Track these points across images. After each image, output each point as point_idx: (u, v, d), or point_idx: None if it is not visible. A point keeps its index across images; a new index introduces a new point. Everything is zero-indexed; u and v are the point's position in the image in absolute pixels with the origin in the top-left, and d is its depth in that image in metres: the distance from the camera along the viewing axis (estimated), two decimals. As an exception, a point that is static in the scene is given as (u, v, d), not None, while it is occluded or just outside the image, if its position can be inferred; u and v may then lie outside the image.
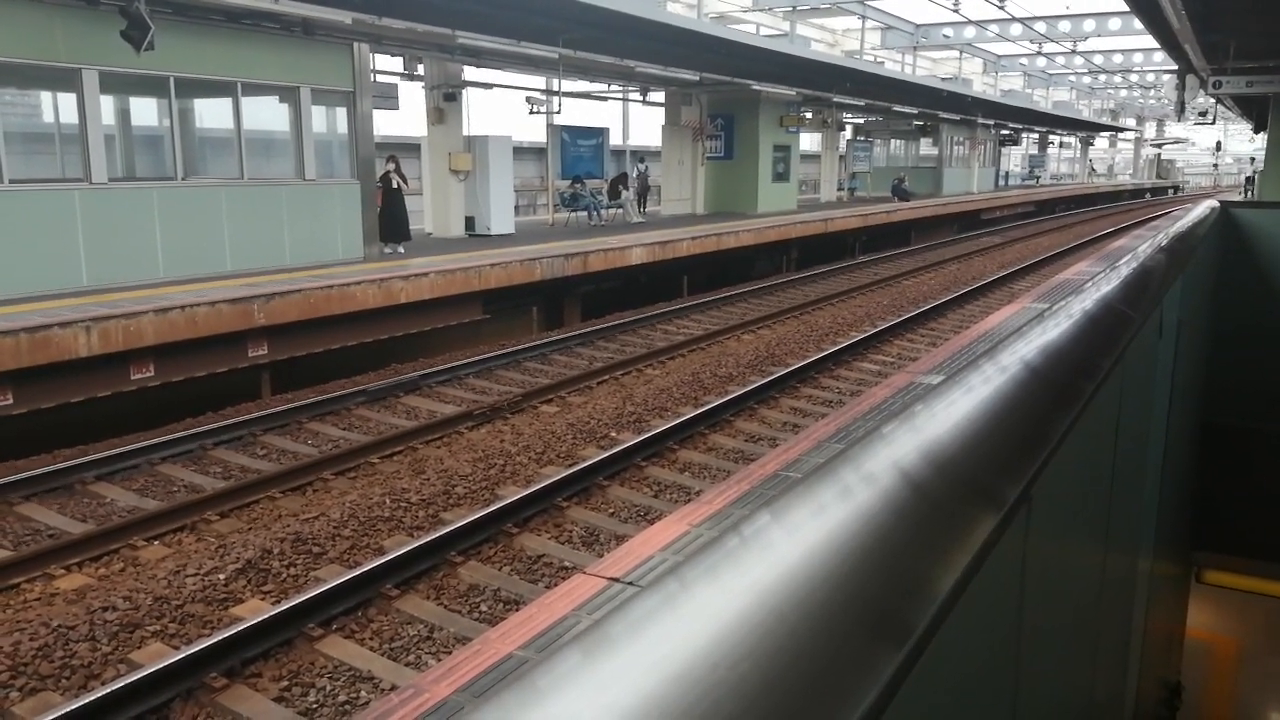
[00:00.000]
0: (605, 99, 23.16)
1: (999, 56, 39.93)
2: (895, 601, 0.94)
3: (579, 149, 20.99)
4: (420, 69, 16.56)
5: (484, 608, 5.12)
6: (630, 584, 3.96)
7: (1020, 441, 1.55)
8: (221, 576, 5.27)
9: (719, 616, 0.77)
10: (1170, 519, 6.59)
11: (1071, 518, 2.32)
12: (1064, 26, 31.93)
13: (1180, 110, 27.12)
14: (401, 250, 14.17)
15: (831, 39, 35.71)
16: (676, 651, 0.71)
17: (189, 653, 4.29)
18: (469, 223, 17.23)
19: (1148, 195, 57.06)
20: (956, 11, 25.00)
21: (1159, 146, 67.91)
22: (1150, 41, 24.55)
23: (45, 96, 10.94)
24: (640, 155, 26.16)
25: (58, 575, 5.57)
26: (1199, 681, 9.89)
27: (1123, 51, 39.40)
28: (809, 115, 27.40)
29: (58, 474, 6.89)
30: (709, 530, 4.48)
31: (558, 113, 18.95)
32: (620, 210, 21.16)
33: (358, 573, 5.07)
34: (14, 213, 9.68)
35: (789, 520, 0.99)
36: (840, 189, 32.65)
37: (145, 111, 11.85)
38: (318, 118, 12.94)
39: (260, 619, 4.59)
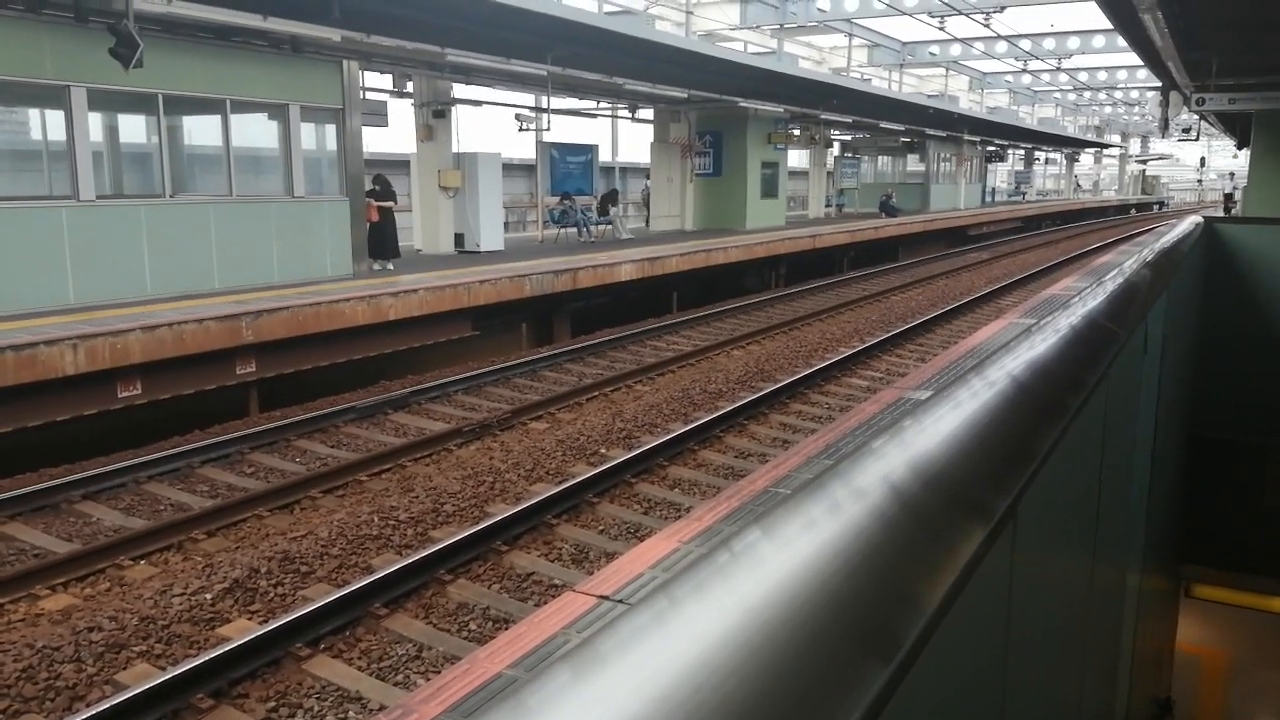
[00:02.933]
0: (594, 116, 23.26)
1: (985, 74, 40.31)
2: (883, 616, 0.94)
3: (568, 166, 21.06)
4: (409, 86, 16.60)
5: (473, 626, 5.10)
6: (620, 602, 3.95)
7: (1007, 456, 1.56)
8: (208, 596, 5.23)
9: (707, 634, 0.77)
10: (1158, 533, 6.61)
11: (1058, 532, 2.33)
12: (1049, 44, 32.28)
13: (1164, 127, 27.39)
14: (391, 267, 14.17)
15: (819, 56, 35.96)
16: (665, 670, 0.71)
17: (175, 673, 4.25)
18: (458, 239, 17.24)
19: (1133, 211, 57.52)
20: (942, 29, 25.23)
21: (1144, 162, 68.53)
22: (1134, 59, 24.83)
23: (33, 114, 10.91)
24: (646, 173, 26.65)
25: (43, 595, 5.52)
26: (1189, 696, 9.90)
27: (1107, 68, 39.84)
28: (797, 132, 27.56)
29: (43, 493, 6.83)
30: (699, 547, 4.47)
31: (547, 130, 19.01)
32: (609, 227, 21.22)
33: (346, 592, 5.04)
34: (1, 230, 9.64)
35: (779, 536, 1.00)
36: (828, 205, 32.82)
37: (134, 129, 11.83)
38: (307, 135, 12.94)
39: (247, 639, 4.55)
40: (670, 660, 0.73)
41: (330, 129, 13.24)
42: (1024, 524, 1.65)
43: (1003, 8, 24.42)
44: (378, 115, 15.22)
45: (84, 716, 3.93)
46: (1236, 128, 29.78)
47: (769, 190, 25.27)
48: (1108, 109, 53.27)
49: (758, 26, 27.85)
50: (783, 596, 0.85)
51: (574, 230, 20.36)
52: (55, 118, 10.29)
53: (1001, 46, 30.59)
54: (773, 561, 0.93)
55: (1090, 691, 3.34)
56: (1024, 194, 53.89)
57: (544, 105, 18.33)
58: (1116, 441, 3.45)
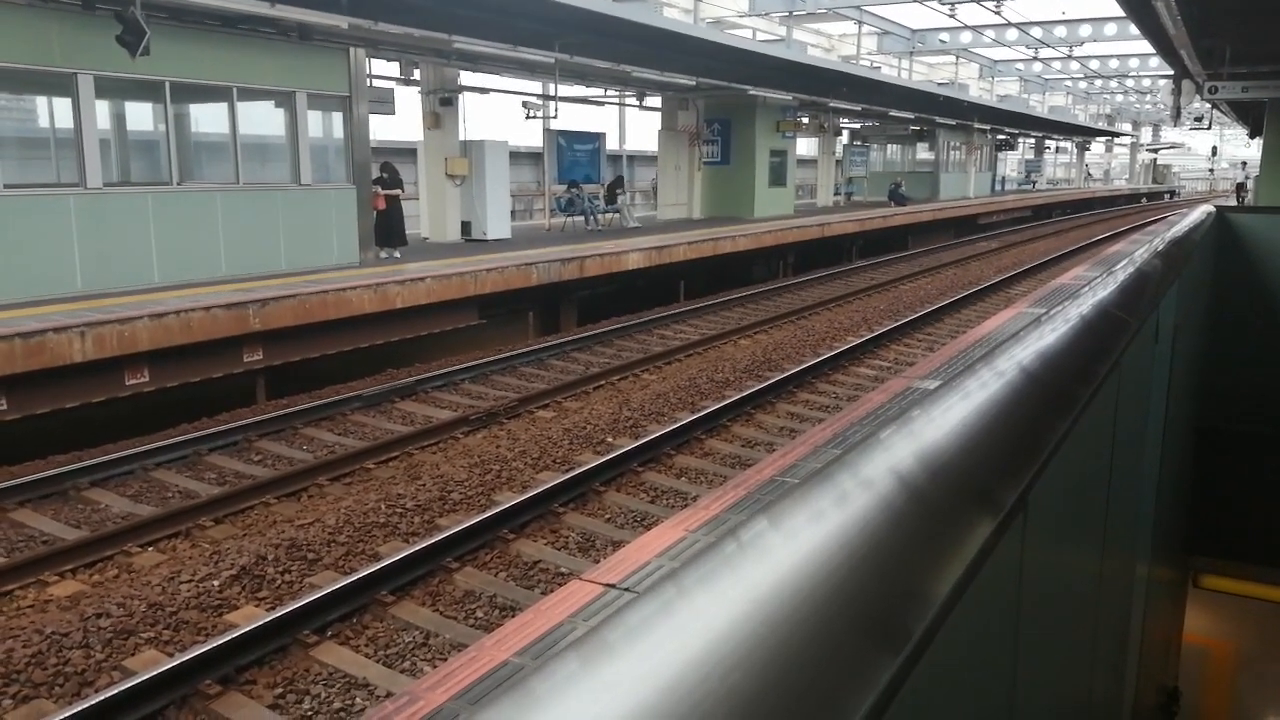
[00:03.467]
0: (602, 104, 23.19)
1: (995, 61, 40.01)
2: (892, 607, 0.93)
3: (575, 154, 20.99)
4: (416, 74, 16.56)
5: (480, 614, 5.11)
6: (627, 590, 3.95)
7: (1017, 447, 1.55)
8: (216, 583, 5.25)
9: (715, 624, 0.76)
10: (1167, 524, 6.59)
11: (1068, 523, 2.32)
12: (1060, 32, 32.02)
13: (1176, 115, 27.17)
14: (398, 255, 14.17)
15: (828, 44, 35.79)
16: (672, 659, 0.71)
17: (183, 659, 4.27)
18: (465, 227, 17.23)
19: (1144, 200, 57.22)
20: (953, 17, 25.06)
21: (1155, 151, 68.08)
22: (1146, 46, 24.63)
23: (41, 101, 10.92)
24: (655, 160, 26.59)
25: (51, 582, 5.55)
26: (1197, 686, 9.90)
27: (1119, 56, 39.53)
28: (805, 120, 27.44)
29: (52, 480, 6.87)
30: (706, 536, 4.47)
31: (554, 117, 18.97)
32: (617, 215, 21.18)
33: (353, 579, 5.05)
34: (8, 218, 9.66)
35: (786, 526, 0.99)
36: (837, 194, 32.70)
37: (141, 116, 11.83)
38: (314, 122, 12.94)
39: (255, 625, 4.57)
40: (678, 650, 0.72)
41: (337, 117, 13.23)
42: (1034, 515, 1.64)
43: (1013, -5, 24.23)
44: (385, 103, 15.20)
45: (93, 702, 3.95)
46: (1249, 116, 29.58)
47: (777, 179, 25.18)
48: (1119, 97, 52.89)
49: (766, 14, 27.68)
50: (790, 587, 0.84)
51: (581, 218, 20.32)
52: (62, 105, 10.30)
53: (1012, 34, 30.39)
54: (780, 552, 0.92)
55: (1099, 681, 3.34)
56: (1034, 183, 53.65)
57: (551, 93, 18.29)
58: (1127, 432, 3.43)
